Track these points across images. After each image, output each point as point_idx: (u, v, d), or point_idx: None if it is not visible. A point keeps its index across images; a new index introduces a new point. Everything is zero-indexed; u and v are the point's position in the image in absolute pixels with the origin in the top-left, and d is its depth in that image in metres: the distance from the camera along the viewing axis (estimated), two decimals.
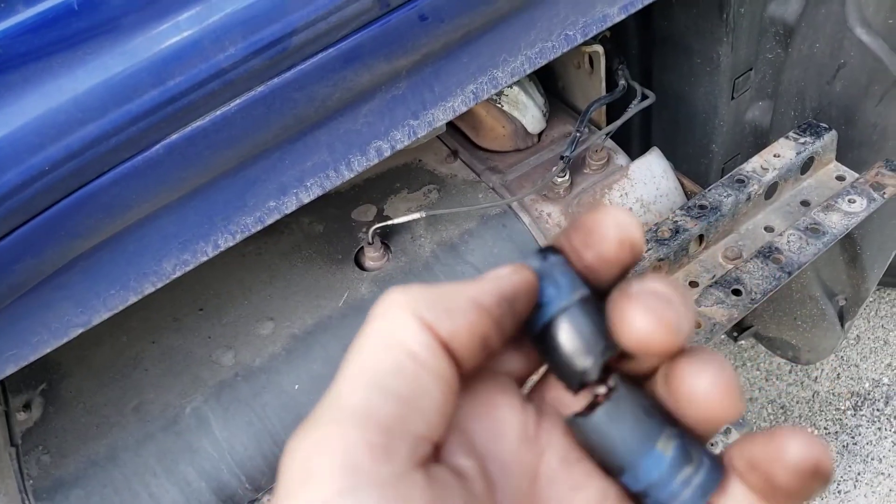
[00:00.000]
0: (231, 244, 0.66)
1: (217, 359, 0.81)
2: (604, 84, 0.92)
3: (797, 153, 0.85)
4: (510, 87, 0.90)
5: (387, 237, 0.85)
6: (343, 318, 0.79)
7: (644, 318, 0.26)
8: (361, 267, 0.84)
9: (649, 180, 0.87)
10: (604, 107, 0.95)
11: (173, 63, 0.53)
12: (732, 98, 0.99)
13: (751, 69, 0.97)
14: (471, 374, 0.29)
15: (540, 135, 0.97)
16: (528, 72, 0.72)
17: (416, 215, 0.82)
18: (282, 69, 0.57)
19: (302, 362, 0.78)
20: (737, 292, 0.74)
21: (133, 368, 0.81)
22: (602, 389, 0.29)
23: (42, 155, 0.52)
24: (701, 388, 0.27)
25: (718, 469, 0.28)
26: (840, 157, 0.98)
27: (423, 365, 0.26)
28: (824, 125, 0.89)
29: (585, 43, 0.89)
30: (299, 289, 0.82)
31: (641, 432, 0.28)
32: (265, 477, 0.76)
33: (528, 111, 0.92)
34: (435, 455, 0.27)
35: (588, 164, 0.89)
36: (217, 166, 0.61)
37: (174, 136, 0.56)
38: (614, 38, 0.95)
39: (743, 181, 0.83)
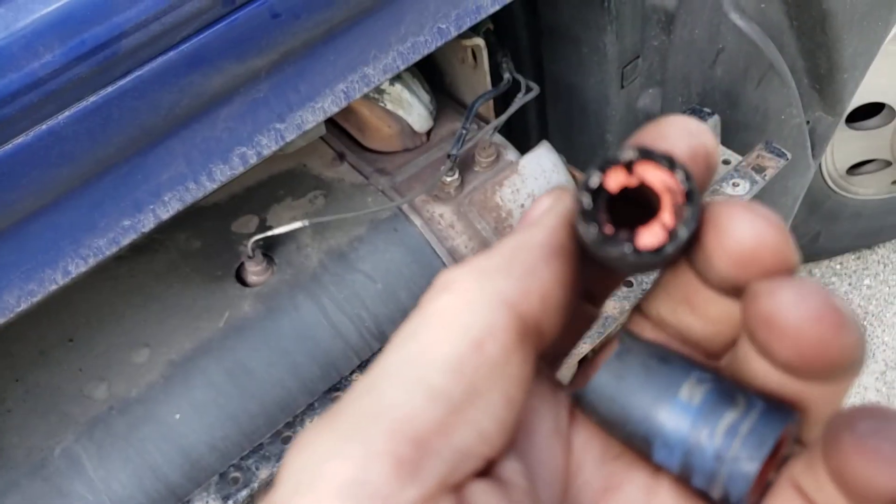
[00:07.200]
0: (84, 269, 0.60)
1: (89, 392, 0.74)
2: (489, 78, 0.90)
3: None
4: (393, 85, 0.87)
5: (270, 249, 0.81)
6: (224, 340, 0.74)
7: (750, 223, 0.20)
8: (243, 283, 0.78)
9: (540, 175, 0.86)
10: (492, 102, 0.92)
11: None
12: (622, 87, 0.98)
13: (638, 57, 0.97)
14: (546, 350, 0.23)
15: (429, 133, 0.94)
16: (402, 68, 0.69)
17: (299, 224, 0.77)
18: (115, 76, 0.51)
19: (182, 390, 0.72)
20: (628, 284, 0.73)
21: None
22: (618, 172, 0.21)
23: None
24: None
25: (781, 410, 0.21)
26: (727, 141, 0.98)
27: (490, 360, 0.20)
28: (708, 110, 0.89)
29: (466, 36, 0.86)
30: (176, 311, 0.76)
31: (658, 383, 0.22)
32: None
33: (414, 109, 0.89)
34: (485, 470, 0.21)
35: (477, 161, 0.87)
36: (54, 186, 0.55)
37: None
38: (498, 31, 0.93)
39: None
